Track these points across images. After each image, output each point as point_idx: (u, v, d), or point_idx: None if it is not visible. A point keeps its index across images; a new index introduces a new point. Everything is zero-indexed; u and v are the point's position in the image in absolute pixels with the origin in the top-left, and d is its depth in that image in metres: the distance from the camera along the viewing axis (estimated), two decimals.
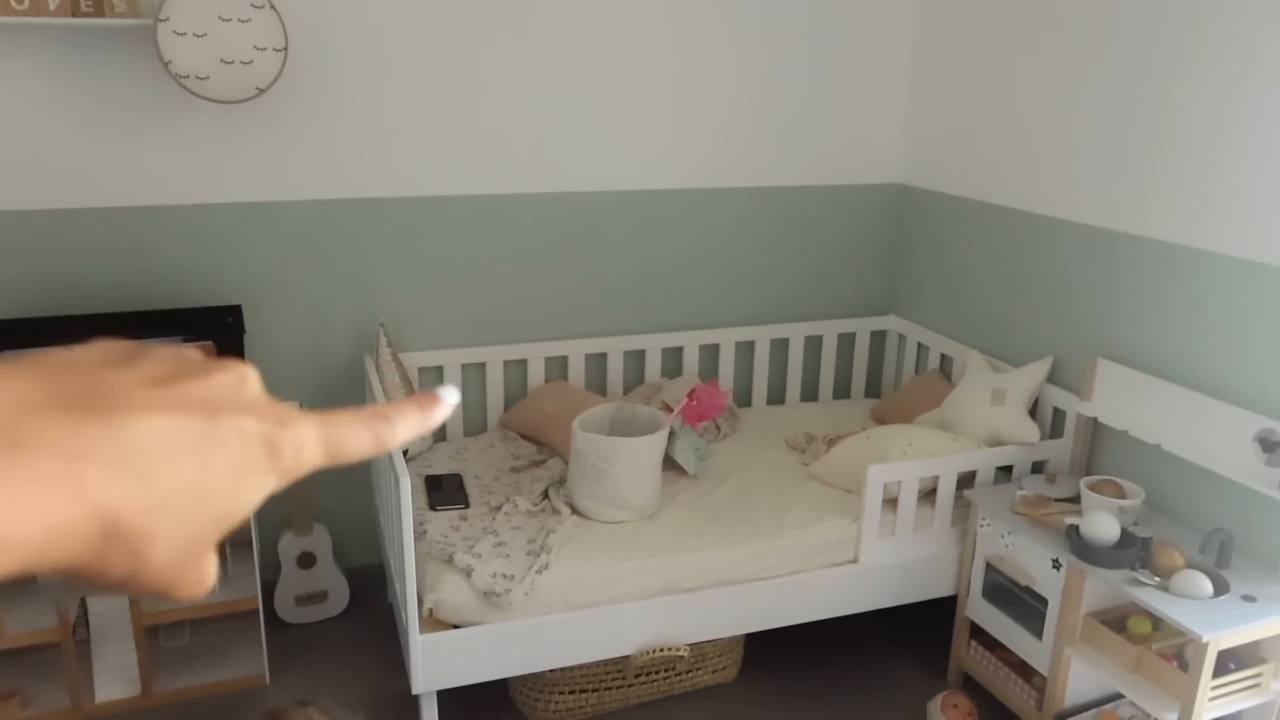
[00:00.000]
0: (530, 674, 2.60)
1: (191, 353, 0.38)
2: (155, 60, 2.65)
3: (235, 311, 2.83)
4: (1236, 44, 2.34)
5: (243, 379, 0.38)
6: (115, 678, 2.65)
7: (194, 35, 2.59)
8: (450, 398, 0.44)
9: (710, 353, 3.58)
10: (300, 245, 3.01)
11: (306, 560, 3.09)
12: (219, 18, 2.60)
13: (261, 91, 2.69)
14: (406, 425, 0.42)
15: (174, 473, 0.33)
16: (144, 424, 0.33)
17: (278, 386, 3.08)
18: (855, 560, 2.74)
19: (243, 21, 2.62)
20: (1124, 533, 2.35)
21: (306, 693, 2.49)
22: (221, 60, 2.63)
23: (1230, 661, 2.24)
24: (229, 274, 2.95)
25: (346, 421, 0.40)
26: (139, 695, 2.64)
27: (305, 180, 2.96)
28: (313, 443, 0.39)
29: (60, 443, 0.31)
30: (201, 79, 2.61)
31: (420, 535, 2.55)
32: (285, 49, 2.67)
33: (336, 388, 3.16)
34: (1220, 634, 2.08)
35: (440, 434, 3.27)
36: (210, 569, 0.37)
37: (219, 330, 2.74)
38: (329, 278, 3.07)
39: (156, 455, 0.33)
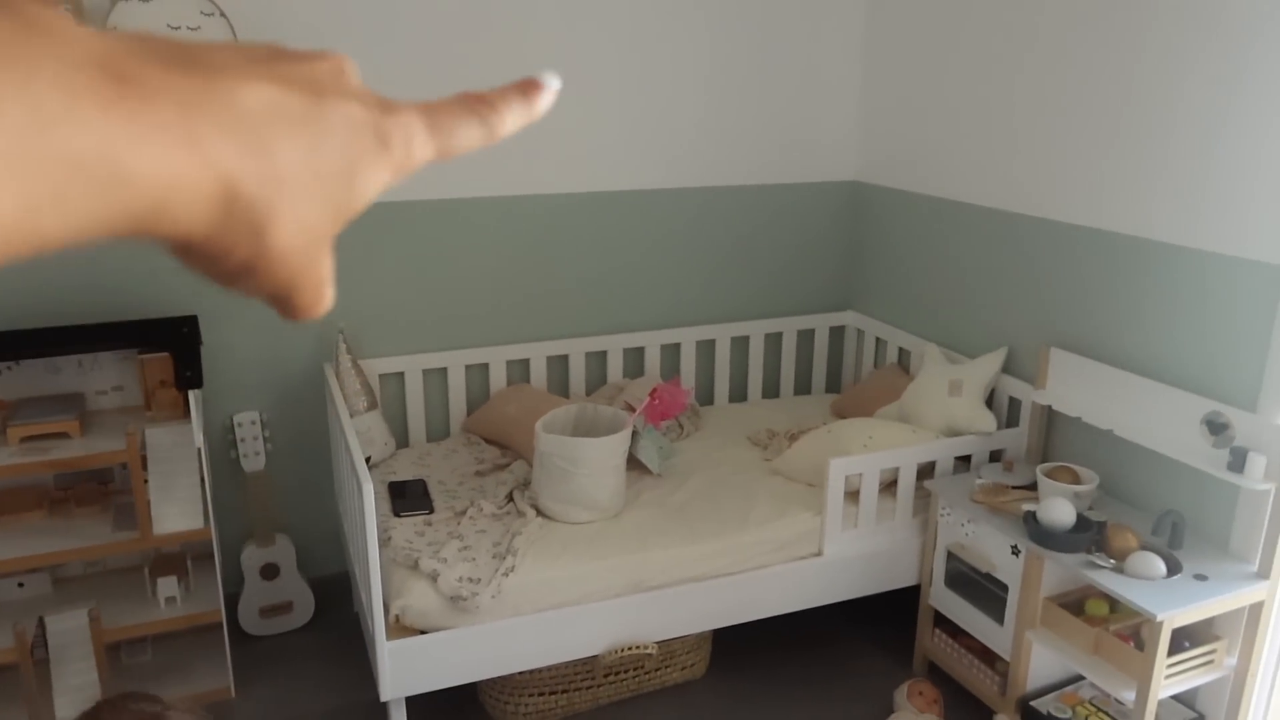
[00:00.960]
0: (499, 677, 2.59)
1: (283, 45, 0.36)
2: None
3: (191, 322, 2.80)
4: (1177, 38, 2.40)
5: (341, 68, 0.36)
6: (76, 698, 2.61)
7: None
8: (553, 83, 0.42)
9: (671, 352, 3.60)
10: None
11: (270, 571, 3.07)
12: (168, 26, 2.57)
13: None
14: (513, 113, 0.40)
15: (287, 147, 0.32)
16: (251, 90, 0.32)
17: (237, 398, 3.05)
18: (819, 553, 2.76)
19: (192, 30, 2.60)
20: (1079, 517, 2.40)
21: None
22: None
23: (1185, 639, 2.29)
24: (183, 284, 2.92)
25: (454, 110, 0.38)
26: None
27: None
28: (422, 133, 0.37)
29: (171, 90, 0.29)
30: None
31: (385, 542, 2.54)
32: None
33: (297, 396, 3.13)
34: (1174, 613, 2.13)
35: (403, 440, 3.26)
36: (329, 274, 0.35)
37: (175, 341, 2.70)
38: None
39: (267, 124, 0.32)
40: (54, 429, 2.59)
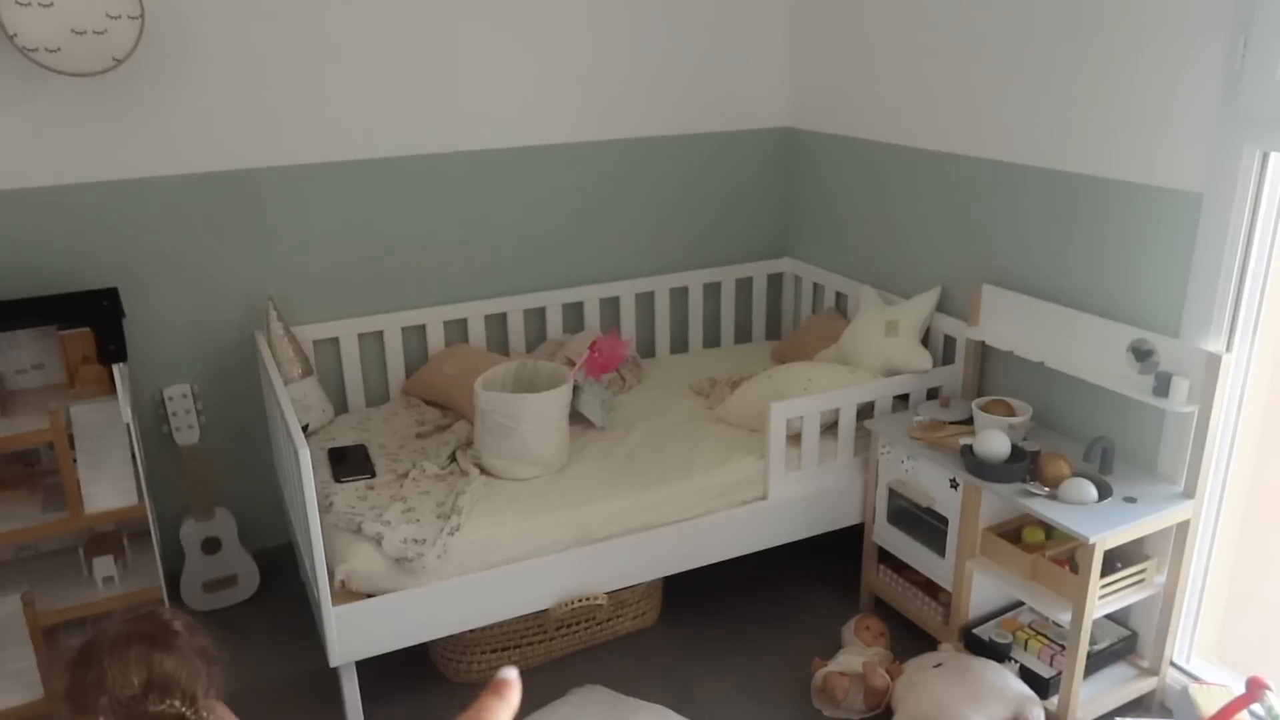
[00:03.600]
0: (450, 636, 2.59)
1: None
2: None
3: (111, 294, 2.70)
4: None
5: None
6: (15, 684, 2.55)
7: (39, 5, 2.44)
8: (509, 674, 0.47)
9: (611, 306, 3.58)
10: (178, 222, 2.89)
11: (211, 545, 3.01)
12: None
13: (119, 62, 2.55)
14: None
15: None
16: None
17: (167, 370, 2.98)
18: (764, 497, 2.79)
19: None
20: (1014, 448, 2.45)
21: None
22: (72, 30, 2.48)
23: (1117, 560, 2.37)
24: (102, 256, 2.82)
25: None
26: (42, 699, 2.54)
27: (177, 153, 2.83)
28: None
29: None
30: (52, 51, 2.47)
31: (326, 508, 2.51)
32: (141, 15, 2.54)
33: (229, 367, 3.06)
34: (1105, 535, 2.19)
35: (342, 405, 3.21)
36: None
37: (96, 315, 2.62)
38: (211, 253, 2.96)
39: None
40: None
